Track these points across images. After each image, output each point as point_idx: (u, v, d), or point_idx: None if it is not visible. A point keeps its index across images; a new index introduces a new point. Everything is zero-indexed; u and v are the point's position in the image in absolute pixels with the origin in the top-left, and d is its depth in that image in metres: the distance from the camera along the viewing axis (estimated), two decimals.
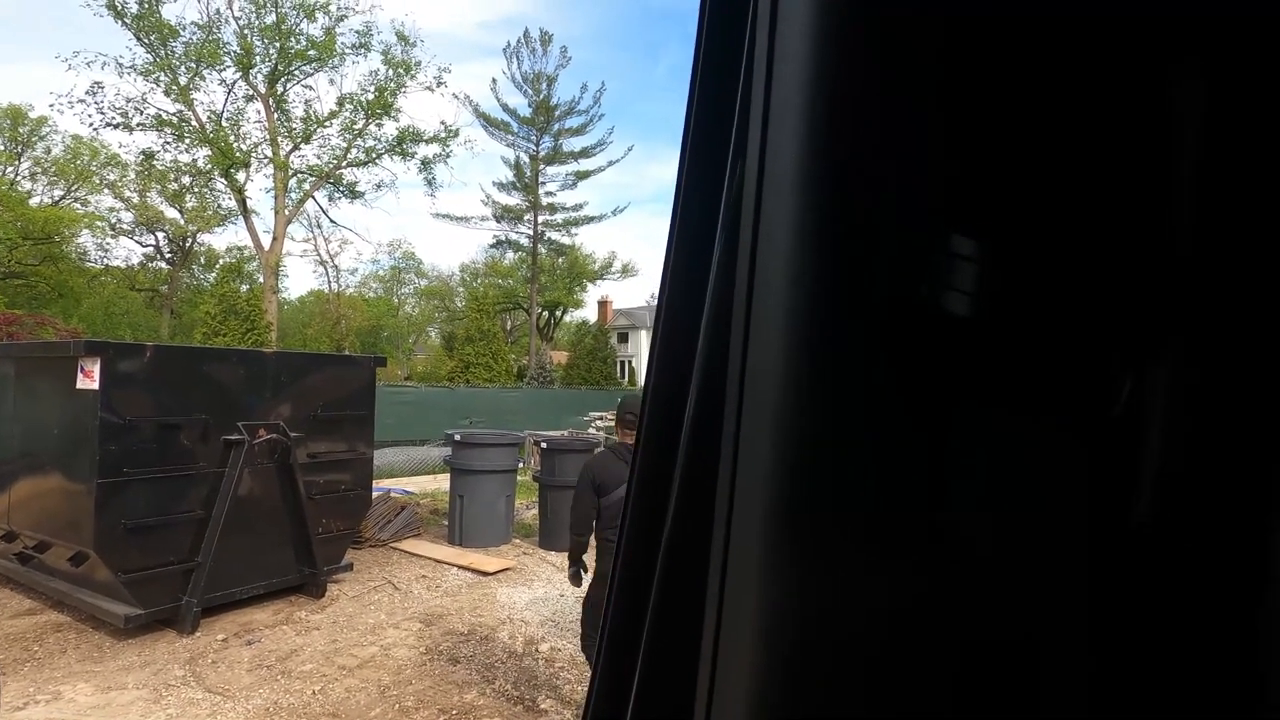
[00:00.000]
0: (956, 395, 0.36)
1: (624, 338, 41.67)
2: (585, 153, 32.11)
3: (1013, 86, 0.34)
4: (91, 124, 26.09)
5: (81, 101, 22.65)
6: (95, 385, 4.47)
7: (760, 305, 0.38)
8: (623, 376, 36.25)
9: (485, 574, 6.40)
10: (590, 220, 33.41)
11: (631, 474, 0.51)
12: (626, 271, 37.74)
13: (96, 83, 22.74)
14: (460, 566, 6.61)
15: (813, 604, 0.36)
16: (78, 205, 28.59)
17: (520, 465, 9.32)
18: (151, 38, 21.97)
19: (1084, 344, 0.35)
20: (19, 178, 27.68)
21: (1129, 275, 0.34)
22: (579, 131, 31.84)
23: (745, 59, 0.41)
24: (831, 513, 0.36)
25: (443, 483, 9.79)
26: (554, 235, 33.67)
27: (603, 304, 41.33)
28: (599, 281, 37.53)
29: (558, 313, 37.25)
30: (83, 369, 4.54)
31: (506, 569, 6.53)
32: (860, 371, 0.36)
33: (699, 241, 0.46)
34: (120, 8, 21.25)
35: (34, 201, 26.89)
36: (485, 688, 4.21)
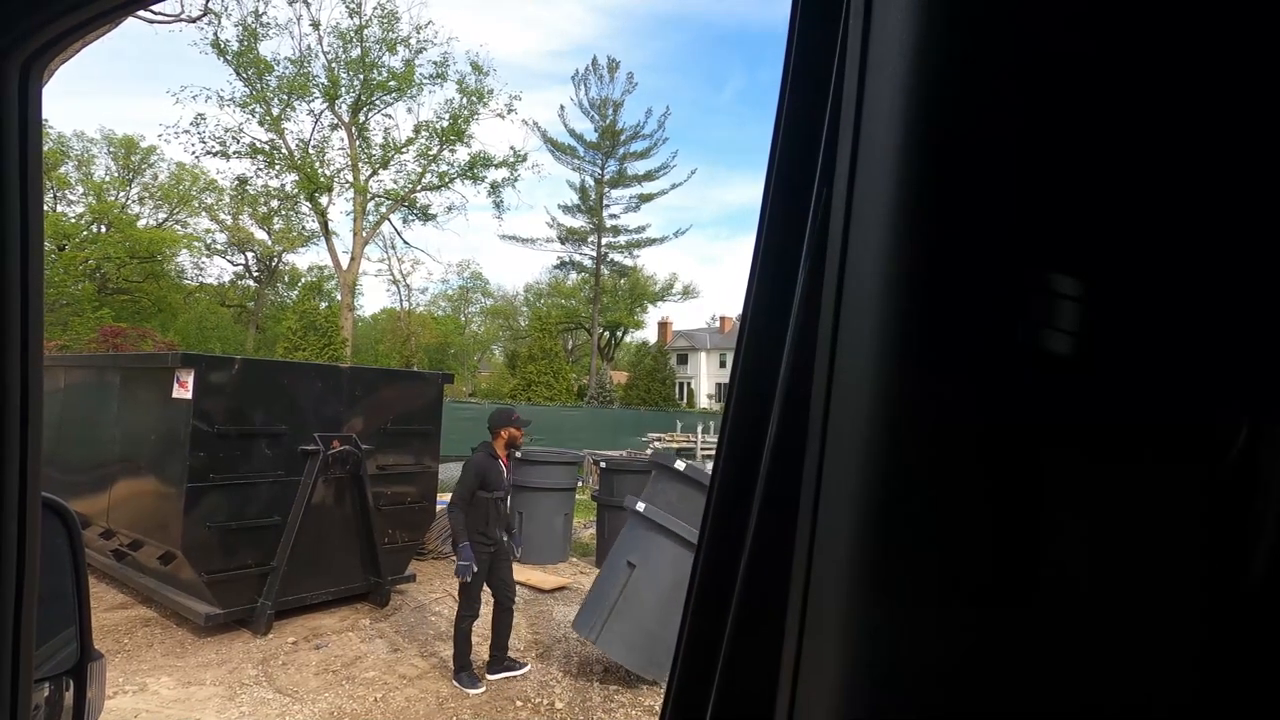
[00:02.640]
0: (1053, 442, 0.34)
1: (683, 359, 41.63)
2: (649, 176, 32.53)
3: (1125, 118, 0.33)
4: (194, 153, 28.30)
5: (186, 132, 24.60)
6: (189, 395, 4.78)
7: (846, 334, 0.37)
8: (681, 398, 36.16)
9: (542, 591, 6.44)
10: (652, 242, 33.72)
11: (710, 493, 0.51)
12: (687, 293, 37.82)
13: (200, 114, 24.64)
14: (518, 583, 6.67)
15: (895, 646, 0.35)
16: (178, 227, 30.88)
17: (579, 484, 9.38)
18: (249, 73, 23.65)
19: (1200, 393, 0.33)
20: (129, 202, 30.13)
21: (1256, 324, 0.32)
22: (643, 155, 32.31)
23: (834, 83, 0.41)
24: (917, 555, 0.35)
25: None
26: (616, 257, 34.12)
27: (663, 325, 41.47)
28: (660, 303, 37.72)
29: (618, 333, 37.59)
30: (178, 379, 4.86)
31: (563, 587, 6.56)
32: (949, 413, 0.35)
33: (783, 266, 0.46)
34: (223, 46, 23.01)
35: (141, 224, 29.18)
36: (540, 705, 4.22)
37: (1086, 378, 0.34)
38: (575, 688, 4.48)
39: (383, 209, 27.38)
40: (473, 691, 4.34)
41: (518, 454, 4.99)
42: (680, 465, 4.44)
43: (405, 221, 28.69)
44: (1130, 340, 0.34)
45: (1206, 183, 0.33)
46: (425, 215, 28.05)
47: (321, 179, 25.28)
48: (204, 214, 30.99)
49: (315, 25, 24.99)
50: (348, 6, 24.66)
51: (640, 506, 4.35)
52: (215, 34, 22.64)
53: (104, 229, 27.66)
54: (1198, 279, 0.33)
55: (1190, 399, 0.33)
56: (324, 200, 25.88)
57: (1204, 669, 0.33)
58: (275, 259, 33.71)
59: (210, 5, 19.35)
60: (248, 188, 26.75)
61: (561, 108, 40.99)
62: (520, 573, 6.88)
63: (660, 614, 4.08)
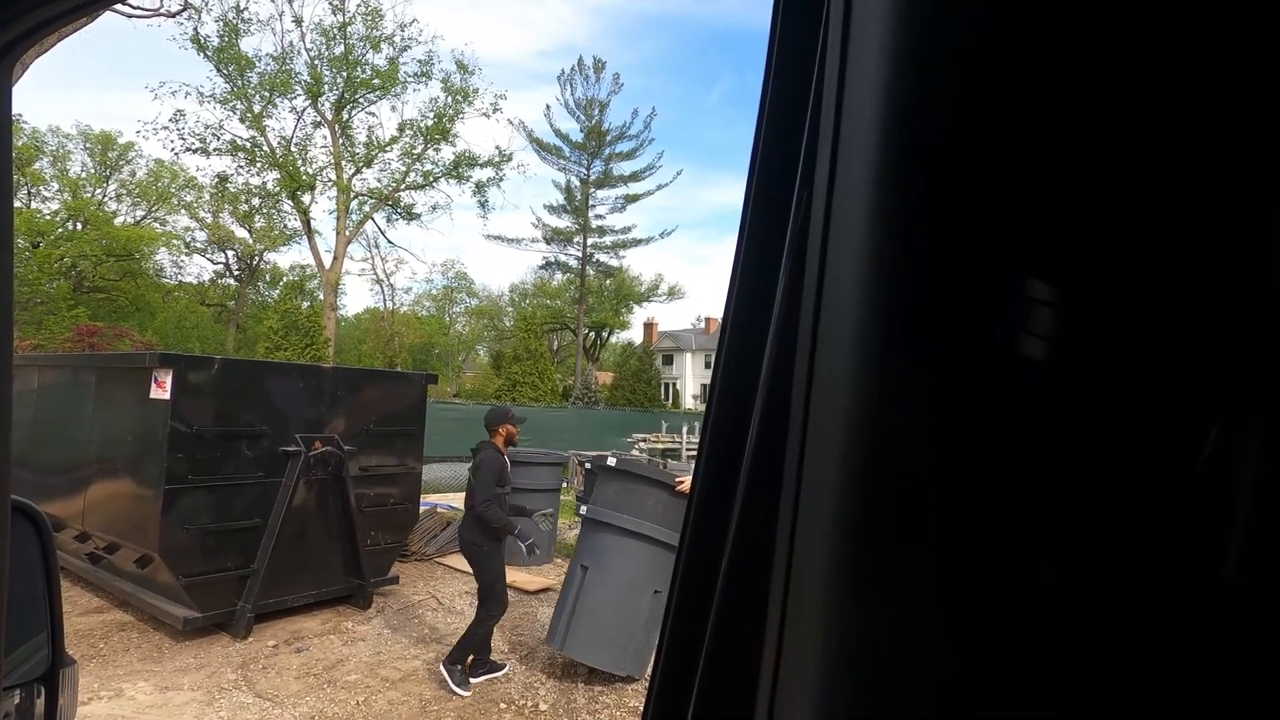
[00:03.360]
0: (1033, 440, 0.35)
1: (669, 360, 41.70)
2: (635, 176, 32.55)
3: (1109, 121, 0.33)
4: (173, 149, 27.79)
5: (165, 128, 24.16)
6: (167, 395, 4.70)
7: (826, 334, 0.38)
8: (667, 398, 36.22)
9: (527, 593, 6.42)
10: (638, 243, 33.76)
11: (692, 492, 0.51)
12: (673, 294, 37.87)
13: (179, 110, 24.27)
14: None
15: (876, 645, 0.35)
16: (157, 225, 30.40)
17: (564, 485, 9.36)
18: (230, 68, 23.35)
19: (1188, 389, 0.33)
20: (106, 199, 29.60)
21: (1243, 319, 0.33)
22: (629, 156, 32.33)
23: (814, 86, 0.41)
24: (898, 554, 0.35)
25: None
26: (602, 257, 34.12)
27: (648, 326, 41.51)
28: (645, 303, 37.73)
29: (604, 334, 37.56)
30: (156, 380, 4.79)
31: (548, 588, 6.54)
32: (928, 413, 0.35)
33: (765, 267, 0.46)
34: (203, 41, 22.69)
35: (118, 221, 28.67)
36: (524, 707, 4.20)
37: (1067, 377, 0.34)
38: (559, 689, 4.47)
39: (366, 208, 27.15)
40: (464, 694, 4.32)
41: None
42: (611, 461, 4.52)
43: (389, 220, 28.48)
44: (1111, 340, 0.34)
45: (1187, 181, 0.33)
46: (409, 214, 27.85)
47: (304, 177, 25.01)
48: (183, 211, 30.57)
49: (298, 21, 24.74)
50: (331, 3, 24.47)
51: (583, 510, 4.44)
52: (195, 29, 22.35)
53: (80, 226, 27.14)
54: (1181, 278, 0.34)
55: (1175, 399, 0.34)
56: (306, 198, 25.60)
57: (1192, 672, 0.33)
58: (256, 258, 33.30)
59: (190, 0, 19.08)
60: (228, 185, 26.42)
61: (547, 108, 40.97)
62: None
63: (618, 609, 4.14)
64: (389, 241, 32.00)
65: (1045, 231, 0.35)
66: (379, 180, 27.00)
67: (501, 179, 27.61)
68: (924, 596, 0.35)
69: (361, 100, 25.88)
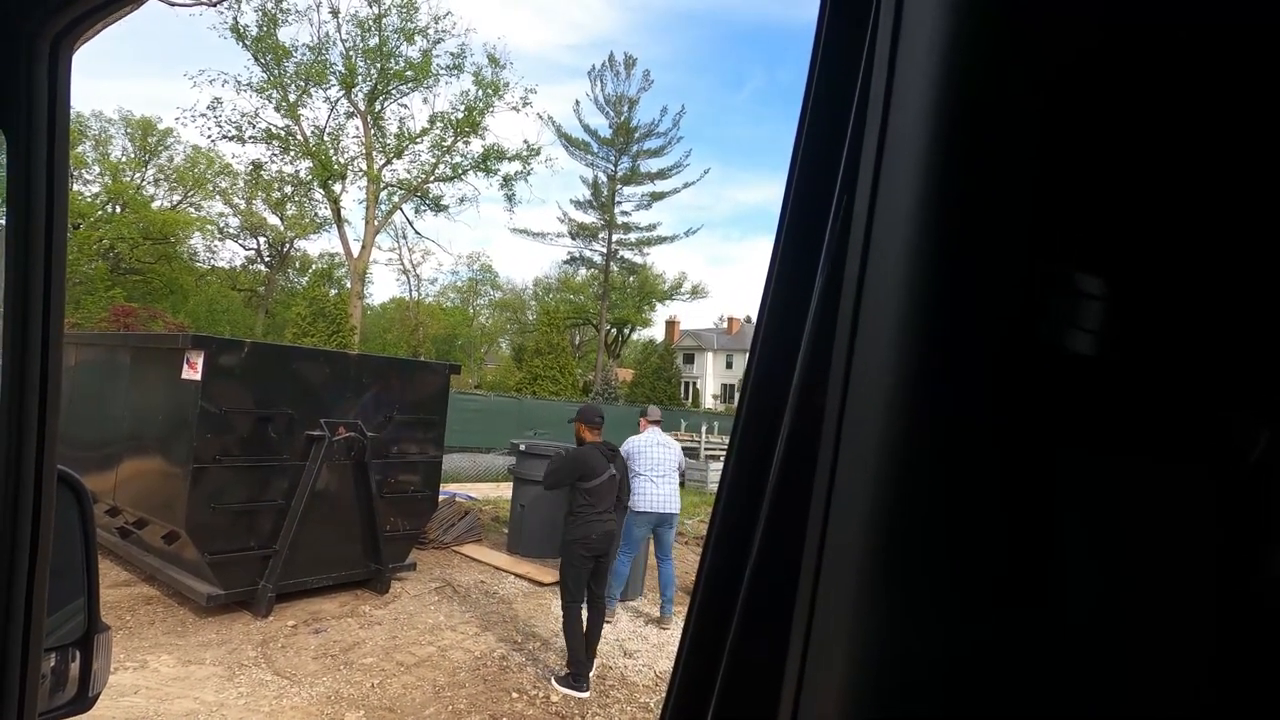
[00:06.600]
0: (1076, 441, 0.34)
1: (690, 358, 41.63)
2: (662, 174, 32.54)
3: (1158, 118, 0.33)
4: (210, 136, 28.35)
5: (203, 115, 24.80)
6: (198, 376, 4.81)
7: (864, 337, 0.38)
8: (686, 397, 36.17)
9: (541, 584, 6.46)
10: (663, 240, 33.76)
11: (720, 492, 0.52)
12: (696, 293, 37.79)
13: (216, 98, 24.82)
14: (517, 575, 6.70)
15: (906, 647, 0.35)
16: (192, 210, 31.10)
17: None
18: (267, 58, 23.76)
19: (1227, 388, 0.33)
20: (144, 183, 30.31)
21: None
22: (657, 153, 32.32)
23: (860, 85, 0.41)
24: (931, 558, 0.35)
25: (505, 491, 9.97)
26: (627, 254, 34.18)
27: (670, 324, 41.50)
28: (668, 301, 37.72)
29: (626, 330, 37.60)
30: (188, 361, 4.89)
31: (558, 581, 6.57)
32: (970, 423, 0.35)
33: (801, 269, 0.46)
34: (242, 31, 23.11)
35: (155, 205, 29.37)
36: (535, 697, 4.24)
37: (1109, 385, 0.34)
38: None
39: (395, 198, 27.47)
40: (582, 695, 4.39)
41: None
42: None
43: (417, 211, 28.81)
44: (1160, 344, 0.34)
45: (1241, 181, 0.33)
46: (437, 206, 28.14)
47: (335, 166, 25.38)
48: (218, 198, 31.23)
49: (334, 13, 25.11)
50: None
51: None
52: (235, 18, 22.77)
53: (119, 209, 27.86)
54: (1227, 280, 0.33)
55: (1212, 400, 0.33)
56: (337, 188, 26.01)
57: (1221, 674, 0.33)
58: (287, 245, 33.87)
59: None
60: (262, 173, 26.93)
61: (577, 103, 41.04)
62: (518, 566, 6.91)
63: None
64: (416, 232, 32.34)
65: (1101, 240, 0.34)
66: (408, 171, 27.33)
67: (529, 173, 27.76)
68: (956, 601, 0.35)
69: (394, 92, 26.18)
